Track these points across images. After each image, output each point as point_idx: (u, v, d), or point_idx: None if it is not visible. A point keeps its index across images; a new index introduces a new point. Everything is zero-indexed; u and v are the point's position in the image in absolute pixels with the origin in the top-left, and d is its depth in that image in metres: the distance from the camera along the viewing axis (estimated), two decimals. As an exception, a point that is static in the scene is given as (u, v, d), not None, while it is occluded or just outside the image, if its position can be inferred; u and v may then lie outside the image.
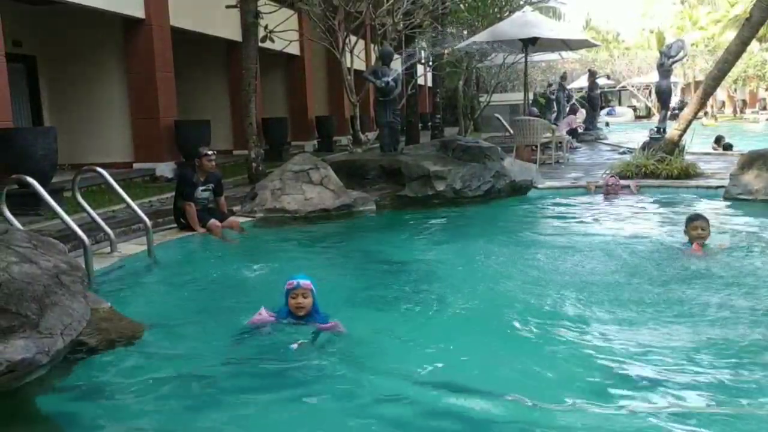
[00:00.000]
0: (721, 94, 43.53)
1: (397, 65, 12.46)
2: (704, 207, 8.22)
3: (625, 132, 23.36)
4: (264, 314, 3.99)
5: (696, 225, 5.80)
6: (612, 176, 9.74)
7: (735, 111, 43.65)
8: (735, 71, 30.78)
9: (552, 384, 3.37)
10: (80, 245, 5.27)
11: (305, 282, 4.01)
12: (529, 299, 4.69)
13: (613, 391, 3.25)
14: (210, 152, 7.14)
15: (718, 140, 15.98)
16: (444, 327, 4.21)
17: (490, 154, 9.50)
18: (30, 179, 5.36)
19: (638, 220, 7.88)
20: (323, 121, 18.81)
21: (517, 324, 4.20)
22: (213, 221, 6.97)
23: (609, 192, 9.32)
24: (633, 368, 3.48)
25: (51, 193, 5.71)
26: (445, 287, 5.10)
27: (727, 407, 3.06)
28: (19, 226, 4.98)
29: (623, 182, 9.70)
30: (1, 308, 2.88)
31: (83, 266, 4.29)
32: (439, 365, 3.59)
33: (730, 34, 25.57)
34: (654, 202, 9.00)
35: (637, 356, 3.64)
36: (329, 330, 3.93)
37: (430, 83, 26.72)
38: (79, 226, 5.40)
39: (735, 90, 44.79)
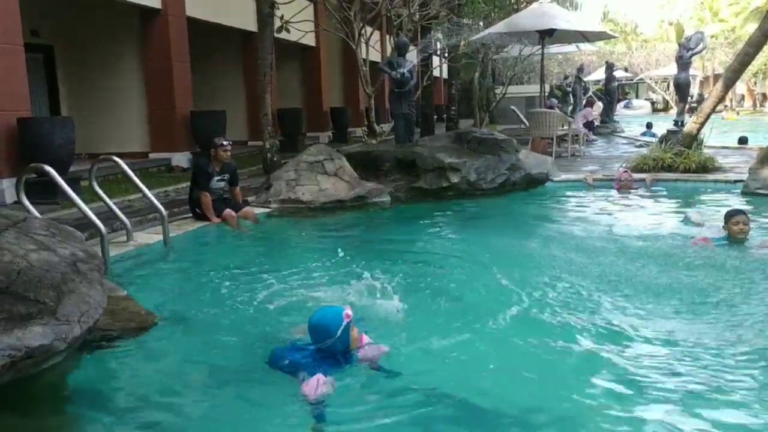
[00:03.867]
0: (740, 87, 42.96)
1: (412, 56, 12.43)
2: (723, 201, 8.14)
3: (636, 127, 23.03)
4: (321, 382, 3.03)
5: (738, 220, 5.68)
6: (625, 170, 9.62)
7: (755, 104, 43.08)
8: (755, 64, 30.41)
9: (571, 379, 3.36)
10: (97, 234, 5.32)
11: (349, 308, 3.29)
12: (545, 293, 4.65)
13: (632, 387, 3.23)
14: (225, 142, 7.17)
15: None
16: (457, 320, 4.18)
17: (505, 146, 9.45)
18: (48, 168, 5.42)
19: (653, 213, 7.81)
20: (338, 113, 18.81)
21: (533, 318, 4.18)
22: (228, 211, 7.01)
23: (622, 187, 9.19)
24: (657, 365, 3.46)
25: (68, 182, 5.75)
26: (459, 280, 5.09)
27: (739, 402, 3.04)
28: (37, 214, 5.03)
29: (638, 176, 9.61)
30: (19, 295, 2.91)
31: (100, 254, 4.33)
32: (451, 358, 3.57)
33: (752, 27, 25.20)
34: (670, 195, 8.91)
35: (659, 351, 3.63)
36: (370, 359, 3.30)
37: (445, 75, 26.62)
38: (96, 215, 5.45)
39: (755, 83, 44.20)
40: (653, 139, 14.63)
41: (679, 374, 3.34)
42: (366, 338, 3.35)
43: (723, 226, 5.83)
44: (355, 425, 2.90)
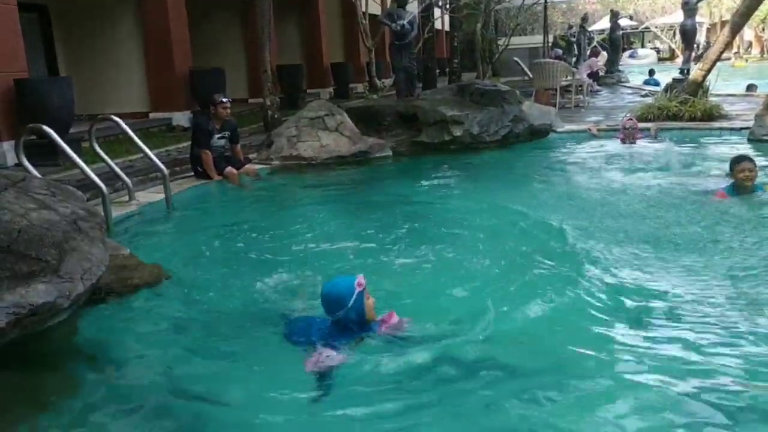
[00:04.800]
0: (748, 34, 42.13)
1: (413, 8, 12.20)
2: (728, 149, 8.07)
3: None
4: (332, 354, 2.95)
5: (743, 167, 5.50)
6: (629, 118, 9.49)
7: (762, 51, 42.32)
8: (763, 9, 29.72)
9: (573, 329, 3.36)
10: (99, 194, 5.31)
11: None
12: (550, 244, 4.65)
13: (636, 336, 3.24)
14: (225, 99, 7.12)
15: None
16: (463, 274, 4.16)
17: (508, 98, 9.34)
18: (47, 128, 5.38)
19: (658, 163, 7.74)
20: (339, 68, 18.56)
21: (538, 270, 4.17)
22: (230, 169, 6.99)
23: (626, 136, 9.08)
24: (659, 315, 3.46)
25: (69, 143, 5.72)
26: (464, 234, 5.06)
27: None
28: (37, 175, 5.01)
29: (643, 125, 9.51)
30: (21, 253, 2.91)
31: (101, 213, 4.33)
32: (458, 312, 3.56)
33: (760, -30, 24.52)
34: (675, 145, 8.83)
35: (662, 301, 3.62)
36: (390, 329, 3.17)
37: (447, 27, 26.19)
38: (98, 175, 5.44)
39: (763, 29, 43.32)
40: (657, 88, 14.46)
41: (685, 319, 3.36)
42: (395, 317, 3.20)
43: (729, 174, 5.71)
44: (365, 399, 2.77)
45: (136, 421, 2.67)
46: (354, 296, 3.02)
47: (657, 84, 16.57)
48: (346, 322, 3.04)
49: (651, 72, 19.79)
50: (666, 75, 17.17)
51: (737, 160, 5.65)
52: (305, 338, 3.13)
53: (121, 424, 2.66)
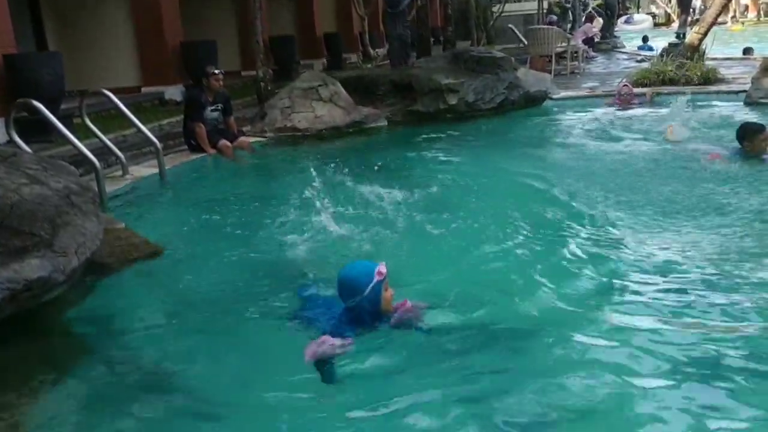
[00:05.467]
0: (745, -4, 41.64)
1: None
2: (725, 112, 8.03)
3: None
4: (333, 342, 2.74)
5: (766, 135, 5.42)
6: (625, 84, 9.42)
7: (759, 15, 41.90)
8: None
9: (571, 293, 3.35)
10: (92, 169, 5.26)
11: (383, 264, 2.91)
12: (547, 212, 4.64)
13: (635, 298, 3.26)
14: (217, 71, 7.03)
15: None
16: (460, 243, 4.14)
17: (503, 65, 9.25)
18: (37, 103, 5.32)
19: (655, 128, 7.69)
20: (332, 39, 18.33)
21: (536, 237, 4.15)
22: (223, 142, 6.93)
23: (622, 101, 9.03)
24: (658, 279, 3.47)
25: (60, 119, 5.66)
26: (461, 202, 5.05)
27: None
28: (28, 150, 4.96)
29: (639, 90, 9.45)
30: (14, 229, 2.89)
31: (95, 187, 4.29)
32: (455, 283, 3.54)
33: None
34: (671, 109, 8.76)
35: (664, 266, 3.62)
36: (406, 317, 2.97)
37: (441, -5, 25.88)
38: (91, 151, 5.39)
39: (759, -8, 42.83)
40: (652, 53, 14.34)
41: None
42: (408, 303, 2.99)
43: (743, 141, 5.59)
44: (366, 390, 2.66)
45: (132, 395, 2.67)
46: (371, 285, 2.80)
47: (651, 50, 16.42)
48: (360, 311, 2.86)
49: (644, 39, 19.61)
50: (661, 41, 17.01)
51: (757, 129, 5.55)
52: (315, 320, 3.00)
53: (117, 399, 2.66)
